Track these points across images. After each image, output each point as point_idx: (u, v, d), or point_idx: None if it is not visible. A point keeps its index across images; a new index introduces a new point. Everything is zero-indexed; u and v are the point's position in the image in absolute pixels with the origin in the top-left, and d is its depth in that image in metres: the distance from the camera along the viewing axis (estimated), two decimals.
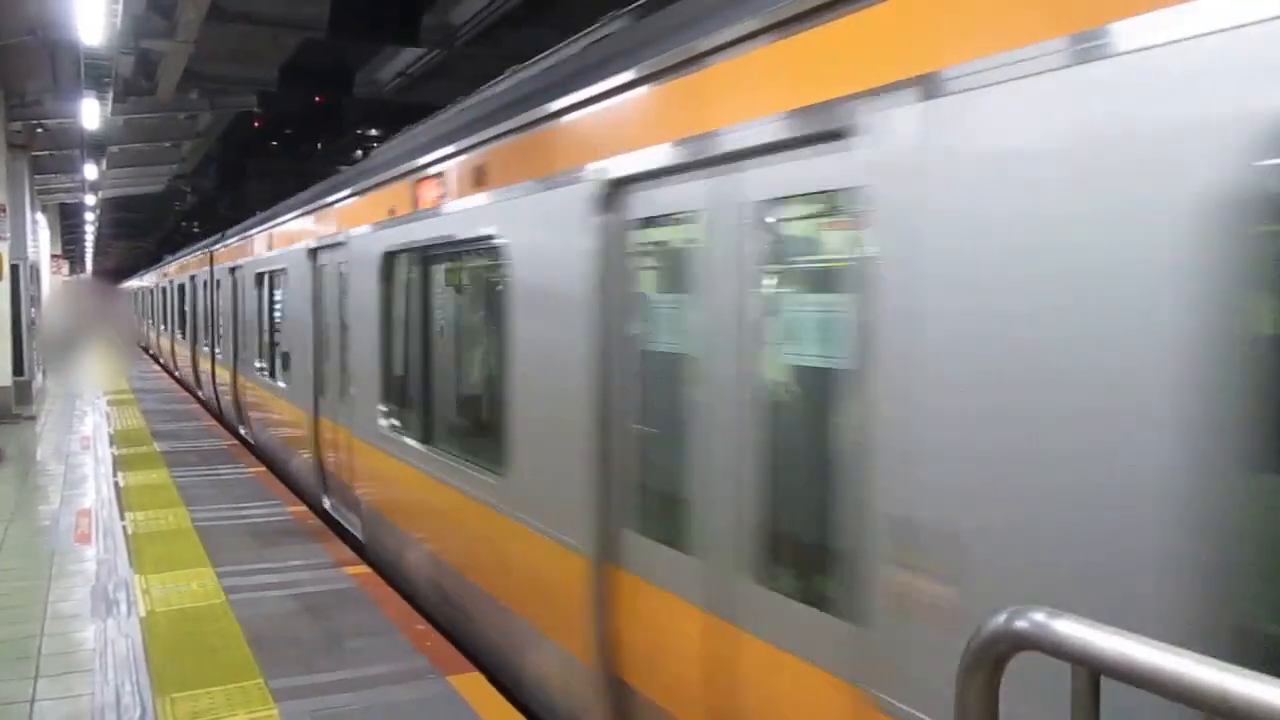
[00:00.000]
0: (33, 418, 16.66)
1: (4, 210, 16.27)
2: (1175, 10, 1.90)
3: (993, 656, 1.58)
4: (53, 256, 28.92)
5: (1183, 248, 1.90)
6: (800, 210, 3.29)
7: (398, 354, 7.25)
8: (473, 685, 5.14)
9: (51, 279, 26.91)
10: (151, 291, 33.85)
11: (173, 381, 24.69)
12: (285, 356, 11.05)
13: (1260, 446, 1.84)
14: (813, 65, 2.89)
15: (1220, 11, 1.82)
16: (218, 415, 17.17)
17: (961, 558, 2.40)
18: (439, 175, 6.08)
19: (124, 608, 6.39)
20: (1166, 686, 1.33)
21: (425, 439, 6.59)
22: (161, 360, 30.49)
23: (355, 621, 6.14)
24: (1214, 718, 1.29)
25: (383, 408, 7.31)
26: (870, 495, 2.68)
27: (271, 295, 12.36)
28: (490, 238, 5.24)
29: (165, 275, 28.96)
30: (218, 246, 17.47)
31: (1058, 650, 1.48)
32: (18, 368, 16.92)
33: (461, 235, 5.75)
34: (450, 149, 5.85)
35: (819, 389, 3.18)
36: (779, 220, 3.32)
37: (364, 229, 7.82)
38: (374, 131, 24.50)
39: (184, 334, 23.11)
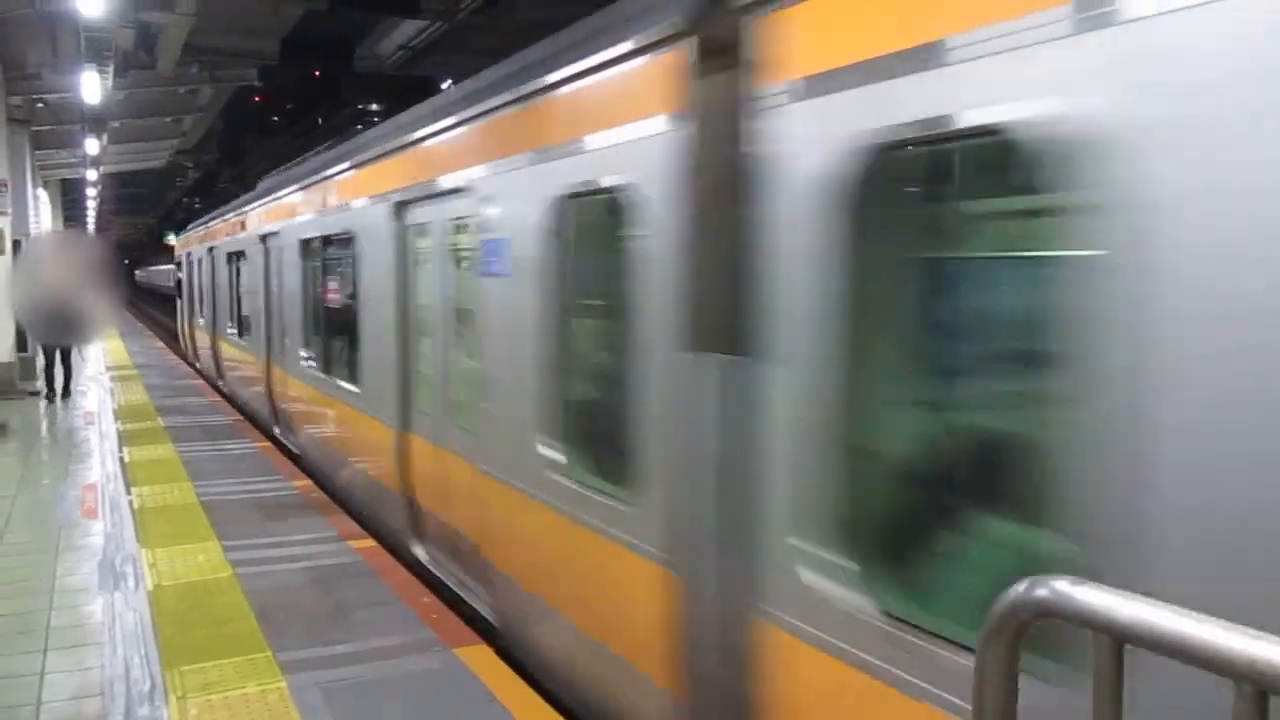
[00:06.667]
0: (37, 393, 16.67)
1: (5, 186, 16.19)
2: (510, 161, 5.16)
3: (1013, 625, 1.54)
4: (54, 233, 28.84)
5: (540, 239, 4.74)
6: (464, 224, 6.01)
7: (312, 312, 10.28)
8: (480, 657, 5.16)
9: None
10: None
11: (175, 358, 24.70)
12: (247, 319, 13.96)
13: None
14: (456, 164, 5.95)
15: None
16: (200, 371, 19.79)
17: (499, 395, 5.32)
18: (327, 189, 9.29)
19: (132, 581, 6.41)
20: (1193, 654, 1.31)
21: (326, 371, 9.62)
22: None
23: (362, 594, 6.16)
24: (1242, 685, 1.27)
25: (303, 353, 10.46)
26: (485, 370, 5.50)
27: (238, 271, 14.85)
28: (350, 232, 8.34)
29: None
30: (199, 230, 20.06)
31: (1080, 618, 1.45)
32: (21, 344, 16.90)
33: (340, 229, 8.82)
34: (328, 173, 9.23)
35: (471, 321, 5.86)
36: (457, 230, 6.21)
37: (287, 222, 11.05)
38: (375, 106, 24.30)
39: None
